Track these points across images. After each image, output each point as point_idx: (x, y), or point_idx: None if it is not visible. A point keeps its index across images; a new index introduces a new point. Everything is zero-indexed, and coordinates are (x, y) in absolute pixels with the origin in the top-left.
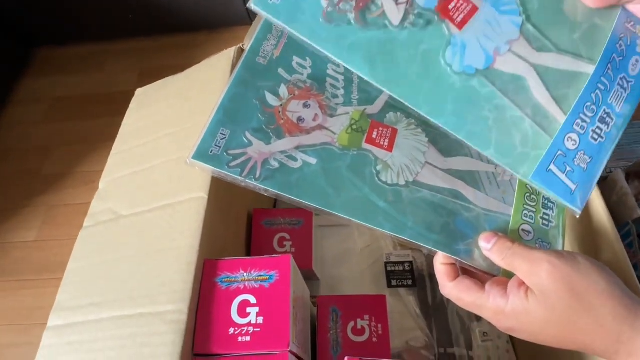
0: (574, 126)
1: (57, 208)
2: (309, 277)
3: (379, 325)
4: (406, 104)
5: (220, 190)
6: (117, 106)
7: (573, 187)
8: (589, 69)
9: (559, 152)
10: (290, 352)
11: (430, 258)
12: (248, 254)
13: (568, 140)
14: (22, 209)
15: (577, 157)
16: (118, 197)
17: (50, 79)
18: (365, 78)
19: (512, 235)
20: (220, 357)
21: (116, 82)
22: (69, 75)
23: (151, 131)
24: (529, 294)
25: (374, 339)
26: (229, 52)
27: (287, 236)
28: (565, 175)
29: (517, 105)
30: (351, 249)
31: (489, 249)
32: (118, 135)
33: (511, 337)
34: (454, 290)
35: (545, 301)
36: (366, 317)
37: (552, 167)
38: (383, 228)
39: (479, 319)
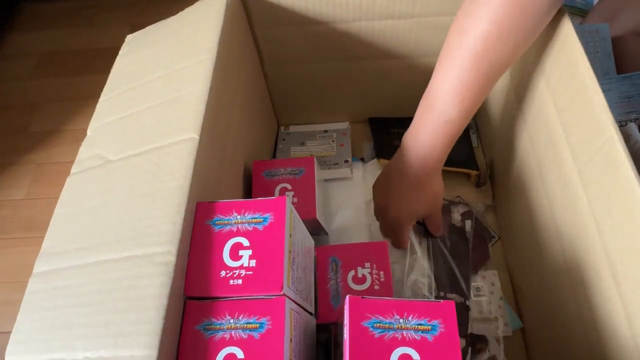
0: None
1: (46, 166)
2: (316, 230)
3: (381, 273)
4: None
5: (213, 133)
6: (108, 62)
7: None
8: None
9: None
10: (285, 295)
11: None
12: None
13: None
14: (10, 166)
15: None
16: (106, 143)
17: (39, 34)
18: None
19: None
20: (213, 300)
21: (107, 37)
22: (58, 29)
23: (141, 75)
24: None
25: (376, 287)
26: None
27: (289, 186)
28: None
29: None
30: (357, 202)
31: None
32: (107, 81)
33: (505, 295)
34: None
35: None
36: (367, 264)
37: None
38: None
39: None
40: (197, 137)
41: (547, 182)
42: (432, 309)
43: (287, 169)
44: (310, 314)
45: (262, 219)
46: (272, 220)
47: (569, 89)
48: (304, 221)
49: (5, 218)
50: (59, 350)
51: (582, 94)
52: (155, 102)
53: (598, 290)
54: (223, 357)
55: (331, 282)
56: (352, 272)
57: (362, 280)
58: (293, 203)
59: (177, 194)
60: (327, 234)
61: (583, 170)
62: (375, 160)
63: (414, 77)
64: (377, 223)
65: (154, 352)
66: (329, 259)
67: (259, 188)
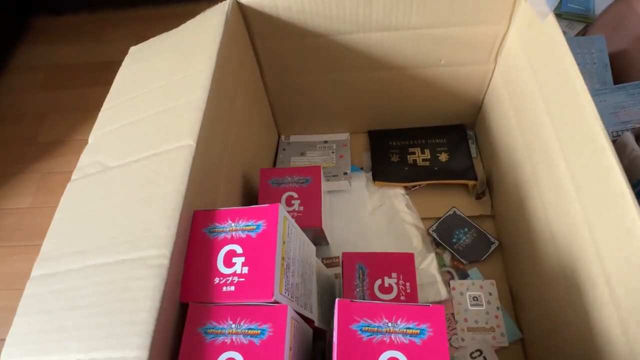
0: None
1: (51, 175)
2: (318, 239)
3: (407, 284)
4: None
5: (210, 140)
6: (115, 74)
7: None
8: None
9: None
10: (277, 302)
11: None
12: None
13: None
14: (16, 175)
15: None
16: (107, 150)
17: (48, 47)
18: None
19: None
20: (208, 306)
21: (114, 50)
22: (67, 43)
23: (143, 85)
24: None
25: (402, 297)
26: (224, 5)
27: (295, 195)
28: None
29: None
30: (362, 211)
31: None
32: (110, 91)
33: (503, 305)
34: None
35: None
36: (394, 275)
37: None
38: None
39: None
40: (193, 144)
41: (542, 189)
42: (421, 313)
43: (293, 178)
44: (312, 320)
45: (255, 227)
46: (265, 228)
47: (561, 98)
48: (308, 230)
49: (10, 226)
50: (53, 352)
51: (574, 103)
52: (154, 110)
53: (592, 296)
54: None
55: (357, 290)
56: (379, 281)
57: (388, 290)
58: (299, 212)
59: (172, 199)
60: (328, 244)
61: (576, 176)
62: None
63: (412, 88)
64: (382, 232)
65: (144, 354)
66: (356, 266)
67: (265, 195)
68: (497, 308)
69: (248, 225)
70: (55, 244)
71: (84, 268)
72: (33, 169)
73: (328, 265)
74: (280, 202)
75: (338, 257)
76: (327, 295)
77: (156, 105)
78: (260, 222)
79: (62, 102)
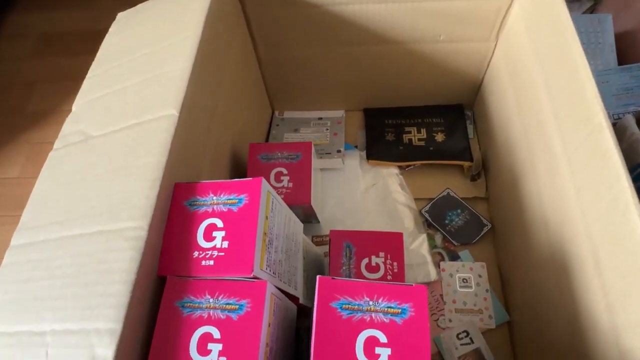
0: None
1: (40, 145)
2: (308, 217)
3: (395, 263)
4: None
5: (195, 111)
6: None
7: None
8: None
9: None
10: (257, 278)
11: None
12: None
13: None
14: (5, 145)
15: None
16: (90, 119)
17: (38, 15)
18: None
19: None
20: (186, 279)
21: (107, 18)
22: (58, 11)
23: (128, 52)
24: None
25: (389, 277)
26: None
27: (285, 170)
28: None
29: None
30: (354, 190)
31: None
32: (95, 59)
33: (493, 287)
34: None
35: None
36: (381, 254)
37: None
38: None
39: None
40: (176, 113)
41: (537, 172)
42: (403, 293)
43: (283, 153)
44: (296, 298)
45: (237, 200)
46: (247, 202)
47: (562, 77)
48: (298, 207)
49: None
50: (28, 322)
51: (575, 81)
52: (138, 79)
53: (581, 280)
54: (199, 335)
55: (344, 268)
56: (366, 260)
57: (375, 269)
58: (288, 188)
59: (152, 169)
60: (318, 222)
61: (572, 157)
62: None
63: (409, 64)
64: (374, 211)
65: (118, 326)
66: (343, 244)
67: (254, 171)
68: (486, 290)
69: (230, 199)
70: (35, 213)
71: (61, 238)
72: (22, 140)
73: (318, 244)
74: (269, 178)
75: (328, 236)
76: (315, 273)
77: (140, 74)
78: (242, 196)
79: (53, 71)
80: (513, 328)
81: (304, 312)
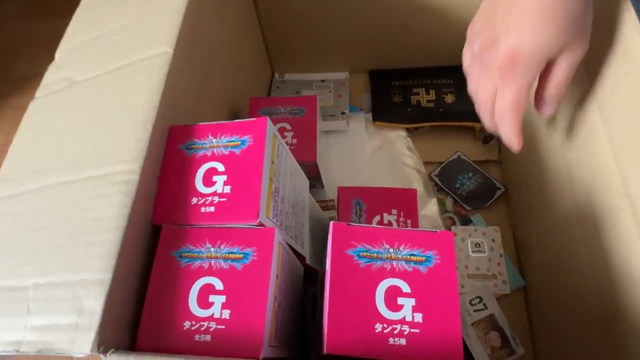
0: None
1: (25, 111)
2: (312, 181)
3: (408, 221)
4: None
5: (191, 51)
6: None
7: None
8: None
9: None
10: (261, 224)
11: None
12: None
13: None
14: None
15: None
16: (75, 64)
17: None
18: None
19: None
20: (184, 227)
21: None
22: None
23: None
24: None
25: None
26: None
27: (288, 126)
28: None
29: None
30: (360, 153)
31: None
32: (80, 4)
33: (506, 252)
34: None
35: None
36: (394, 211)
37: None
38: None
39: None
40: (170, 50)
41: (559, 125)
42: (427, 239)
43: (286, 108)
44: (302, 257)
45: (239, 142)
46: (251, 143)
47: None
48: (302, 164)
49: None
50: (8, 278)
51: (609, 12)
52: (129, 18)
53: (614, 233)
54: (199, 287)
55: None
56: (377, 218)
57: (387, 226)
58: (292, 145)
59: (144, 110)
60: (323, 186)
61: (604, 102)
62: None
63: (415, 21)
64: (382, 175)
65: (107, 276)
66: (353, 201)
67: None
68: (500, 255)
69: (232, 141)
70: (15, 165)
71: (44, 187)
72: (6, 105)
73: (323, 209)
74: None
75: (333, 200)
76: (320, 237)
77: (130, 13)
78: (245, 138)
79: (37, 34)
80: (529, 293)
81: (309, 279)
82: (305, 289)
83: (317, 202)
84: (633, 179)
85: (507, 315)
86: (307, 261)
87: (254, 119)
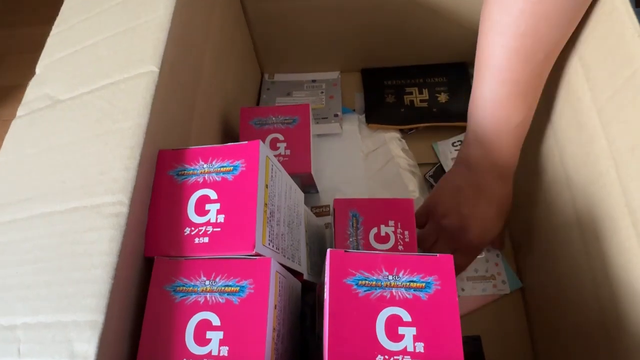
0: None
1: (8, 123)
2: (306, 188)
3: (406, 232)
4: None
5: (178, 68)
6: None
7: None
8: None
9: None
10: (257, 254)
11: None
12: None
13: None
14: None
15: None
16: (56, 81)
17: None
18: None
19: None
20: (177, 260)
21: None
22: None
23: (98, 2)
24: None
25: (400, 247)
26: None
27: (281, 137)
28: None
29: None
30: (354, 156)
31: None
32: (59, 15)
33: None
34: None
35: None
36: (391, 222)
37: None
38: None
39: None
40: (156, 69)
41: (557, 127)
42: (426, 264)
43: (278, 118)
44: (300, 274)
45: (231, 168)
46: (244, 169)
47: (594, 13)
48: (296, 176)
49: None
50: None
51: (609, 17)
52: (111, 32)
53: (614, 241)
54: (196, 323)
55: (351, 239)
56: (375, 230)
57: (385, 239)
58: (285, 156)
59: (131, 135)
60: (317, 191)
61: (604, 108)
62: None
63: (409, 16)
64: (376, 178)
65: (99, 317)
66: (349, 213)
67: (246, 138)
68: (497, 255)
69: (223, 167)
70: (2, 191)
71: (31, 217)
72: None
73: (317, 215)
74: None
75: (328, 206)
76: (317, 246)
77: (113, 26)
78: (237, 163)
79: (19, 41)
80: (527, 294)
81: (306, 287)
82: (303, 297)
83: (312, 207)
84: (632, 186)
85: (507, 316)
86: (305, 277)
87: (246, 142)
